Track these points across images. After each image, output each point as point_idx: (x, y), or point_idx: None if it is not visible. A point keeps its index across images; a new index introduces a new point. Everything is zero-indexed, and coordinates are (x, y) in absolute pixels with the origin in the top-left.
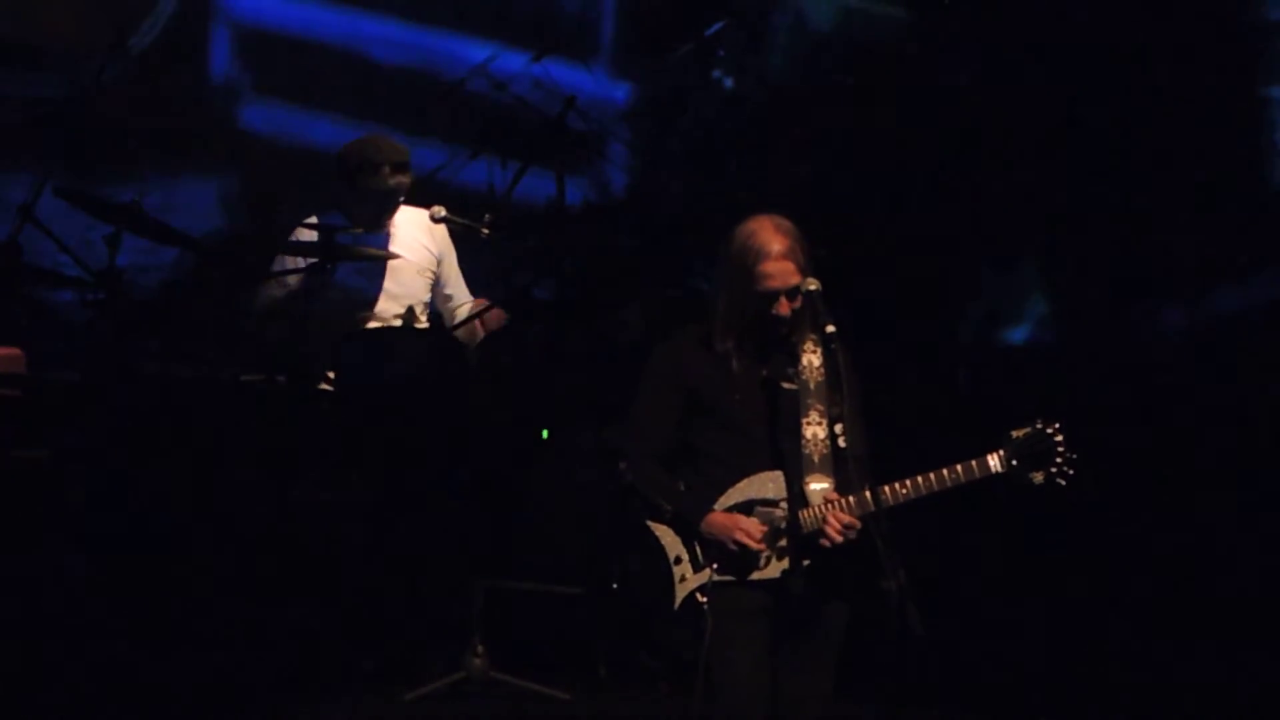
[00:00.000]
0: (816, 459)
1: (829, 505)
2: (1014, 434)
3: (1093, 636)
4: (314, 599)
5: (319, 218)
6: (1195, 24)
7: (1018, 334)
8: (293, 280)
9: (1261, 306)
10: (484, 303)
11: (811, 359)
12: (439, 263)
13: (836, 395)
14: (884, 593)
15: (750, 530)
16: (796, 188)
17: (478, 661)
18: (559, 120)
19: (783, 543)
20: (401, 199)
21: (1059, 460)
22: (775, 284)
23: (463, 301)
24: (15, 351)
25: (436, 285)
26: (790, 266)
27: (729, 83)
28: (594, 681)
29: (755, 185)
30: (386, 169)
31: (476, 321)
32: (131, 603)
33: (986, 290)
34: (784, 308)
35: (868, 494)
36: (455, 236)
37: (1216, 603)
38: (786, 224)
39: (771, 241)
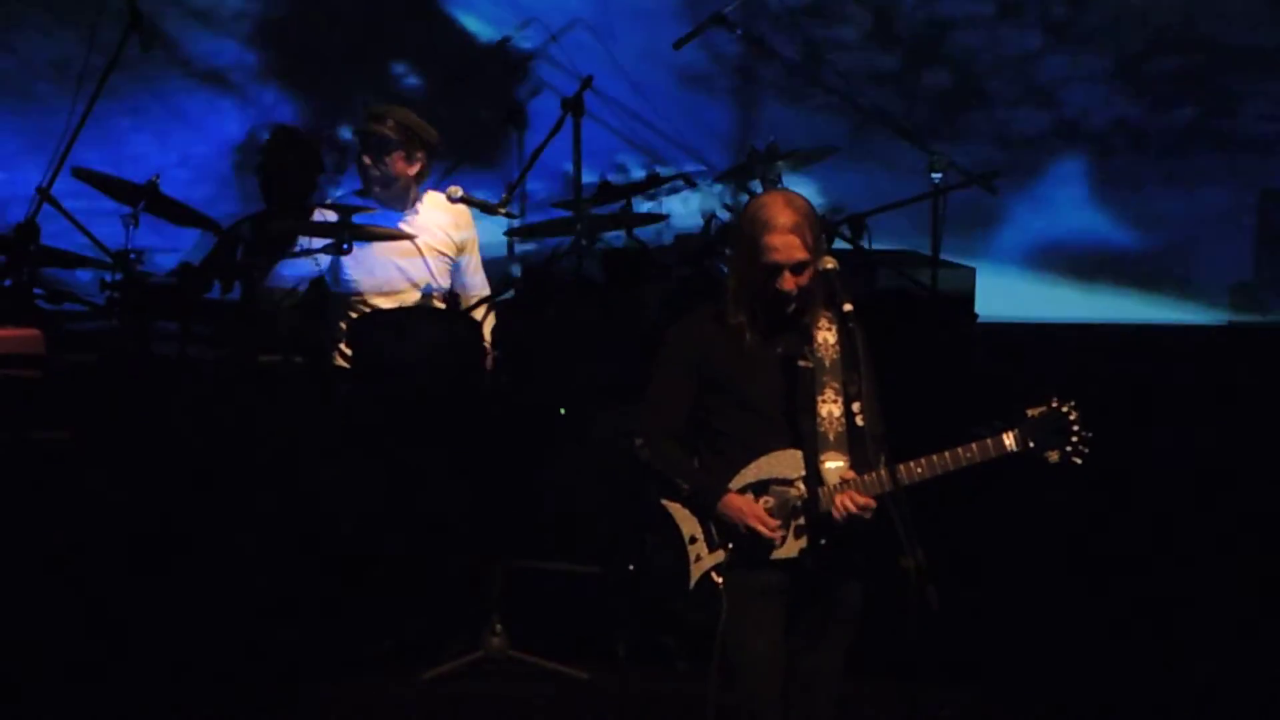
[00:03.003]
0: (832, 437)
1: (845, 484)
2: (1029, 413)
3: (1112, 615)
4: (332, 578)
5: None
6: None
7: None
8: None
9: None
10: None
11: (826, 336)
12: (460, 248)
13: (853, 373)
14: (902, 571)
15: (764, 517)
16: None
17: (496, 641)
18: (576, 100)
19: (799, 522)
20: (391, 161)
21: (1074, 439)
22: (778, 257)
23: (477, 287)
24: (34, 333)
25: (456, 270)
26: (795, 241)
27: None
28: (612, 661)
29: None
30: (365, 114)
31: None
32: (149, 582)
33: None
34: (788, 282)
35: (884, 473)
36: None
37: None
38: (799, 201)
39: (779, 215)
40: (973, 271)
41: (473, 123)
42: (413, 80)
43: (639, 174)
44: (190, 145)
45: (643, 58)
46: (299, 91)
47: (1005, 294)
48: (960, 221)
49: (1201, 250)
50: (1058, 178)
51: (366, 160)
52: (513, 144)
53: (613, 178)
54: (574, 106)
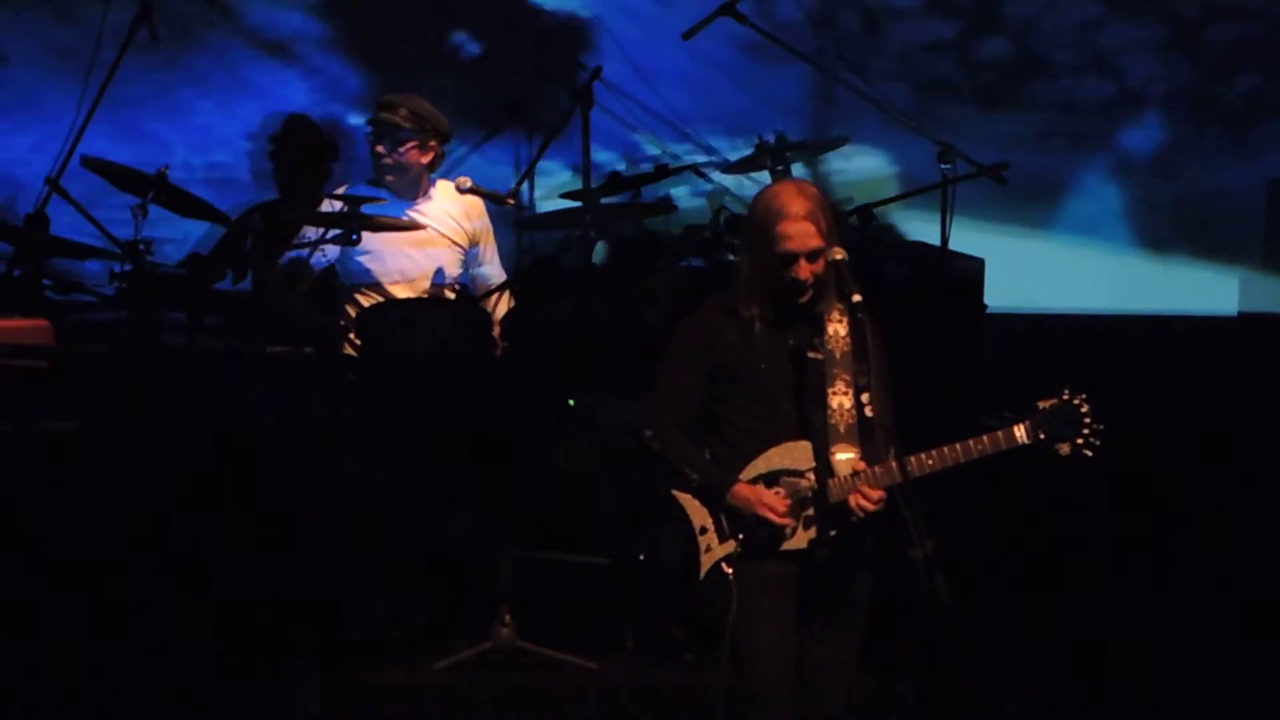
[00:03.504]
0: (843, 429)
1: (855, 476)
2: (1040, 405)
3: (1120, 608)
4: (342, 569)
5: (356, 188)
6: None
7: None
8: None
9: None
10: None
11: (838, 328)
12: (472, 239)
13: (863, 365)
14: (912, 562)
15: (775, 505)
16: None
17: (505, 631)
18: (584, 91)
19: (809, 513)
20: (406, 150)
21: (1086, 431)
22: (793, 245)
23: (493, 277)
24: (42, 323)
25: (470, 260)
26: (810, 229)
27: None
28: (621, 651)
29: None
30: (380, 105)
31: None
32: (157, 573)
33: None
34: (803, 271)
35: (894, 464)
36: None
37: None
38: (811, 189)
39: (792, 203)
40: (981, 262)
41: (538, 96)
42: (474, 50)
43: (697, 157)
44: (256, 116)
45: (704, 32)
46: (363, 62)
47: (1074, 267)
48: (1027, 193)
49: (1267, 220)
50: (1124, 146)
51: (380, 150)
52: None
53: (692, 157)
54: (582, 97)
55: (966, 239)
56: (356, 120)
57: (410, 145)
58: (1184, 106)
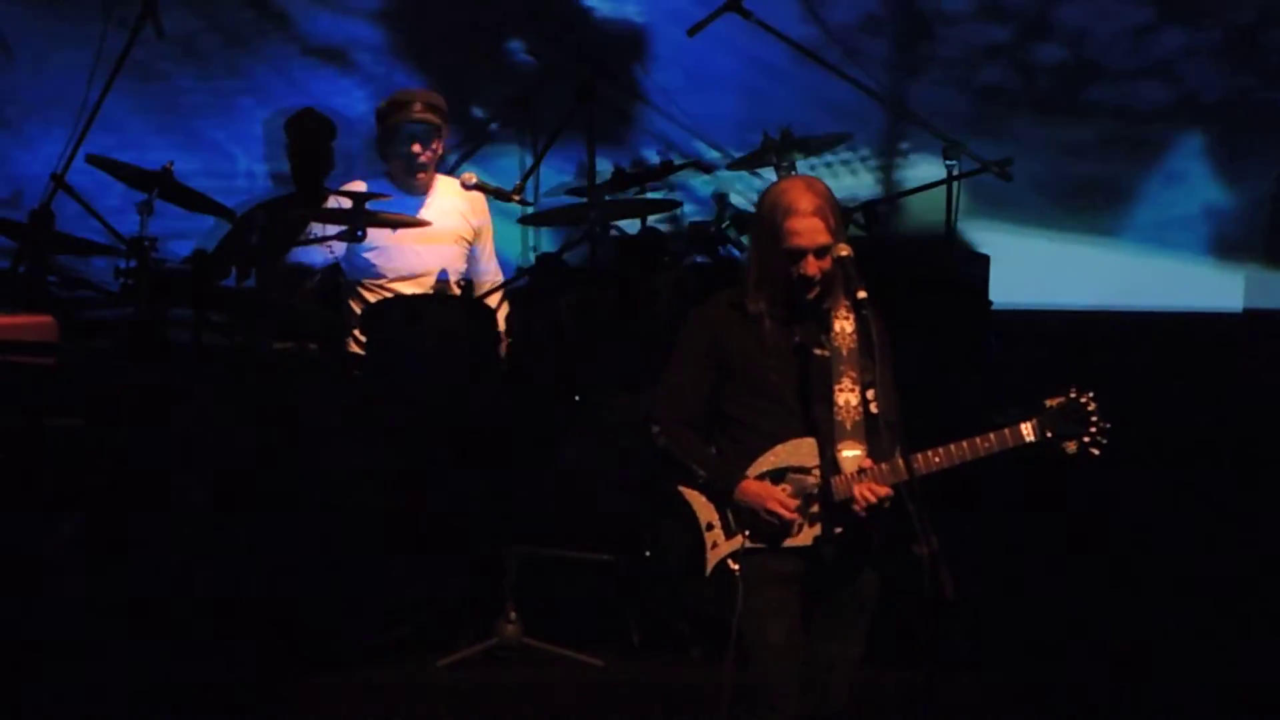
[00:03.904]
0: (849, 426)
1: (861, 473)
2: (1047, 403)
3: (1129, 600)
4: (347, 565)
5: (366, 183)
6: None
7: None
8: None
9: None
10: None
11: (844, 325)
12: (476, 234)
13: (868, 361)
14: (917, 559)
15: (783, 500)
16: None
17: (510, 628)
18: (588, 87)
19: (815, 509)
20: (433, 146)
21: (1093, 429)
22: (802, 241)
23: (489, 275)
24: (48, 319)
25: (470, 257)
26: (819, 224)
27: None
28: (626, 648)
29: None
30: (418, 105)
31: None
32: (162, 570)
33: None
34: (811, 267)
35: (900, 461)
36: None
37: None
38: (819, 185)
39: (800, 199)
40: (986, 259)
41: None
42: (527, 57)
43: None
44: None
45: (752, 33)
46: (418, 68)
47: (1136, 272)
48: (1087, 199)
49: None
50: (1183, 153)
51: (416, 149)
52: (632, 120)
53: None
54: (587, 94)
55: (1030, 246)
56: (494, 141)
57: (438, 142)
58: (1241, 111)
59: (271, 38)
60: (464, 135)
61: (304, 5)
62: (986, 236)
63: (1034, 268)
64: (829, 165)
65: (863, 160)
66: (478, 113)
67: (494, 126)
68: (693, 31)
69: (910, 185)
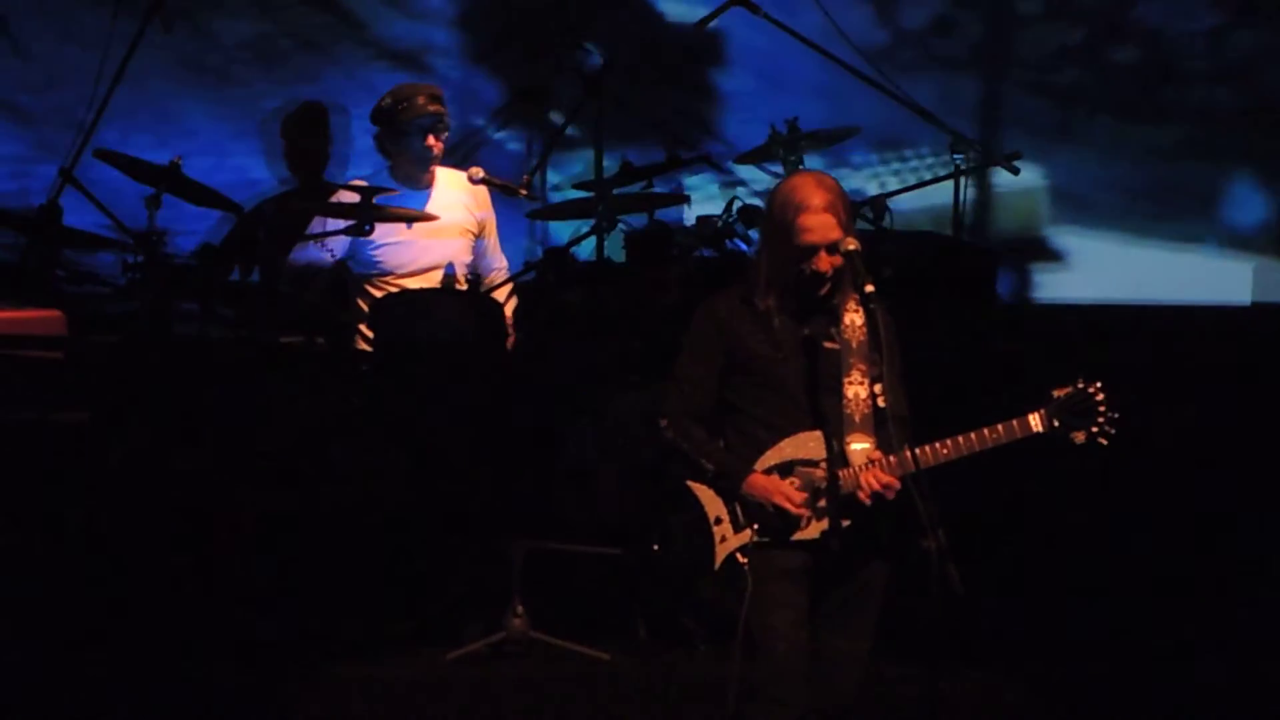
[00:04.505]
0: (858, 419)
1: (869, 466)
2: (1055, 393)
3: (1134, 598)
4: (354, 560)
5: (368, 179)
6: None
7: None
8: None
9: None
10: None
11: (853, 318)
12: (481, 228)
13: (877, 355)
14: (924, 553)
15: (791, 494)
16: None
17: (517, 622)
18: (595, 83)
19: (823, 503)
20: (443, 138)
21: (1100, 420)
22: (814, 238)
23: (497, 268)
24: (55, 314)
25: (476, 251)
26: (830, 220)
27: None
28: (633, 642)
29: None
30: (422, 98)
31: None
32: (169, 563)
33: None
34: (823, 263)
35: (908, 454)
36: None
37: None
38: (829, 180)
39: (812, 195)
40: (995, 254)
41: (665, 104)
42: (600, 60)
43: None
44: None
45: (827, 37)
46: (492, 71)
47: (1231, 276)
48: (1177, 203)
49: None
50: (1267, 155)
51: (430, 140)
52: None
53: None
54: (594, 89)
55: (1114, 251)
56: (501, 135)
57: (445, 133)
58: None
59: (346, 42)
60: (539, 138)
61: (378, 10)
62: (1073, 242)
63: (1118, 271)
64: (914, 170)
65: (944, 166)
66: (557, 118)
67: (571, 131)
68: (701, 25)
69: (1000, 190)
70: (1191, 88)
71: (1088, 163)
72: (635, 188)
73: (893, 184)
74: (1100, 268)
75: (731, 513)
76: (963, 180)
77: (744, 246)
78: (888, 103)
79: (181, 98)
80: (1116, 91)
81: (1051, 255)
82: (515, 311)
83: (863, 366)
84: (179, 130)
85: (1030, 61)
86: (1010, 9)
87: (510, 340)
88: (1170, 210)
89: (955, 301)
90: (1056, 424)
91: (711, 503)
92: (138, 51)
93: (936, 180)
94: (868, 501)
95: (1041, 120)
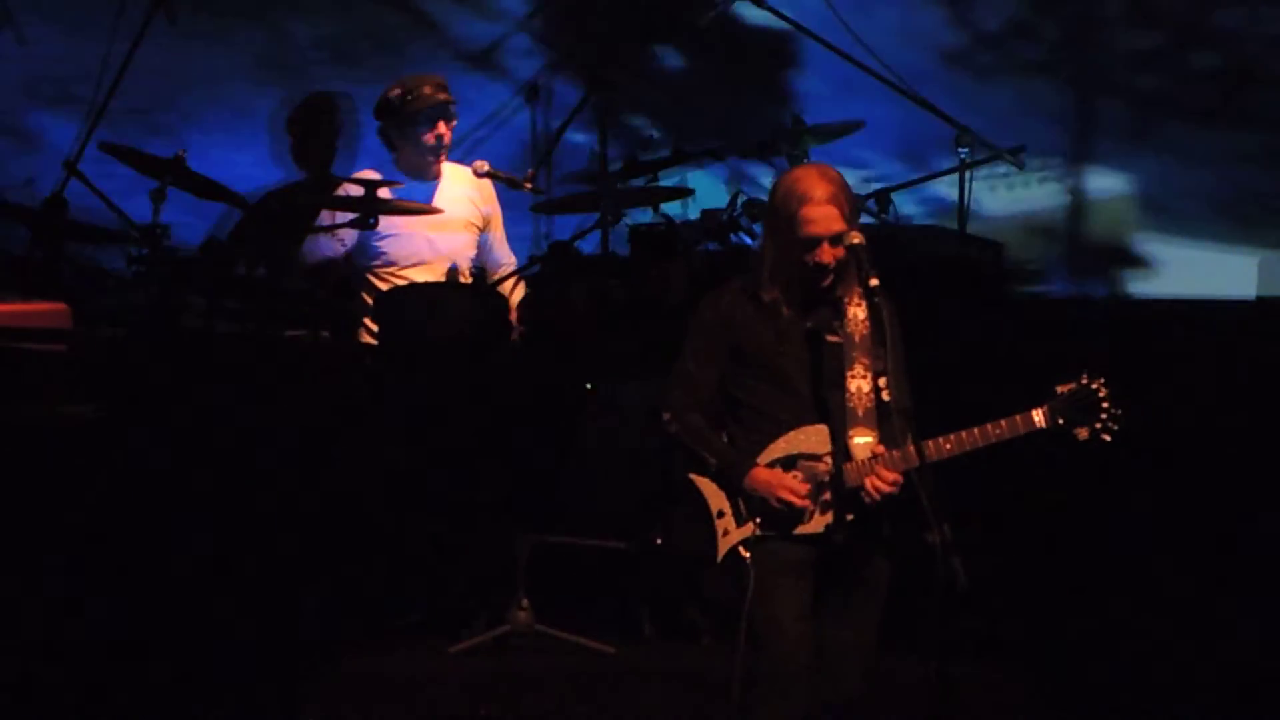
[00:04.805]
0: (861, 413)
1: (873, 460)
2: (1059, 389)
3: (1140, 591)
4: (359, 553)
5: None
6: None
7: None
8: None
9: None
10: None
11: (857, 312)
12: (486, 221)
13: (880, 349)
14: (928, 546)
15: (795, 488)
16: None
17: (522, 615)
18: (599, 77)
19: (826, 497)
20: (452, 125)
21: (1104, 415)
22: (817, 229)
23: (504, 262)
24: (60, 307)
25: (482, 244)
26: (834, 212)
27: None
28: (638, 635)
29: None
30: (429, 87)
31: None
32: (175, 557)
33: None
34: (826, 255)
35: (911, 448)
36: (500, 193)
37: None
38: (833, 172)
39: (815, 187)
40: (1000, 247)
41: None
42: (674, 61)
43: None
44: (463, 128)
45: (904, 39)
46: (566, 72)
47: None
48: (1260, 210)
49: None
50: None
51: (441, 128)
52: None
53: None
54: (597, 84)
55: (1195, 258)
56: (582, 138)
57: (455, 122)
58: None
59: (422, 43)
60: (622, 145)
61: (454, 10)
62: (1158, 249)
63: (1204, 277)
64: (1004, 175)
65: (1035, 171)
66: (636, 122)
67: (653, 134)
68: (704, 23)
69: (1093, 196)
70: (1273, 93)
71: (1169, 169)
72: (639, 182)
73: (978, 188)
74: (1187, 274)
75: (734, 506)
76: (967, 175)
77: (749, 240)
78: (965, 105)
79: (258, 97)
80: (1195, 96)
81: (1138, 262)
82: (520, 305)
83: (866, 360)
84: (251, 127)
85: (1109, 66)
86: (1089, 13)
87: (515, 334)
88: (1254, 216)
89: (961, 295)
90: (1060, 420)
91: (714, 496)
92: (211, 51)
93: (943, 174)
94: (873, 498)
95: (1125, 126)
